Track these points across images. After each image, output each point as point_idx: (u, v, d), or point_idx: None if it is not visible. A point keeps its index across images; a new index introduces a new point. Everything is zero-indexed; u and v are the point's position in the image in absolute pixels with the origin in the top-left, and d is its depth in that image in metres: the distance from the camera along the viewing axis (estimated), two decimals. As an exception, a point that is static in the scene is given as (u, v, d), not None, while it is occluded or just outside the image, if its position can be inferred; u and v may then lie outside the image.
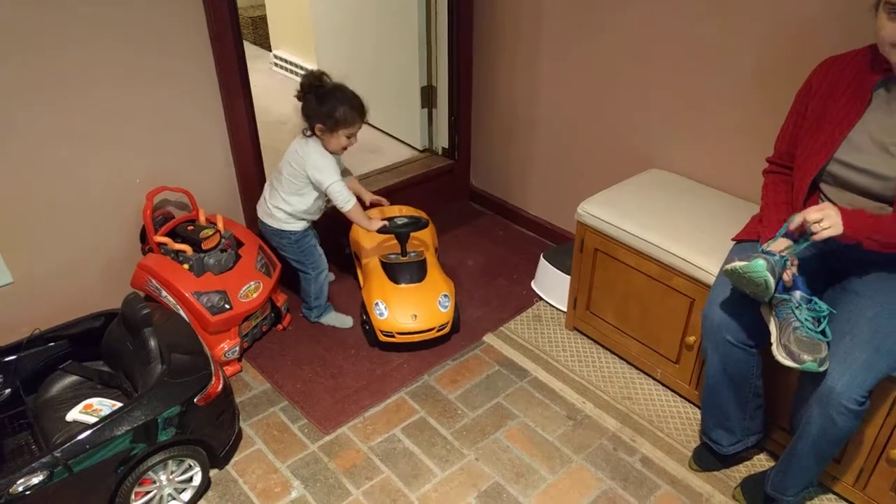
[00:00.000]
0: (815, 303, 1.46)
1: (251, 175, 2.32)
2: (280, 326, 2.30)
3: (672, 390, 2.05)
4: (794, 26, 1.80)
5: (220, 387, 1.71)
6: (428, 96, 2.97)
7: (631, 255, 1.96)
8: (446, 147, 3.01)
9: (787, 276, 1.44)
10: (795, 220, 1.43)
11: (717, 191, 2.11)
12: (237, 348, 2.09)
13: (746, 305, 1.56)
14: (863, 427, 1.57)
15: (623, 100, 2.30)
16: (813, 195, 1.58)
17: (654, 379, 2.09)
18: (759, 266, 1.40)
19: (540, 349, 2.24)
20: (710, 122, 2.09)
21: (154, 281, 1.99)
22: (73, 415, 1.66)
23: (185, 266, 2.01)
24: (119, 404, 1.65)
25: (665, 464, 1.83)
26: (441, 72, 2.85)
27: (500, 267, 2.64)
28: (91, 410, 1.67)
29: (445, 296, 2.16)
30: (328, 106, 1.97)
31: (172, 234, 2.08)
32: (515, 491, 1.75)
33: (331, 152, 2.05)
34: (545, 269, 2.45)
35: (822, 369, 1.38)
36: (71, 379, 1.78)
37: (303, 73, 3.98)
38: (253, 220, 2.38)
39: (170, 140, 2.10)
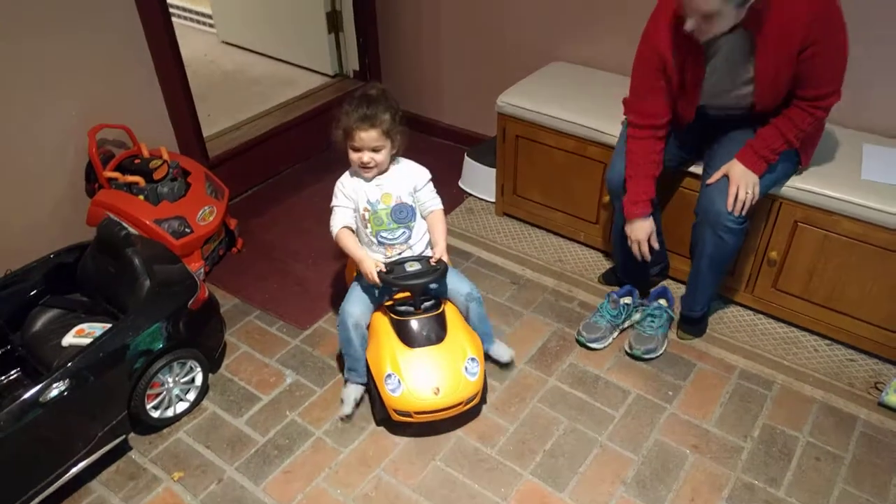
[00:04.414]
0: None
1: (181, 104, 2.37)
2: (235, 249, 2.42)
3: (595, 248, 2.40)
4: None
5: (206, 293, 1.85)
6: (333, 21, 3.07)
7: (550, 136, 2.25)
8: (357, 70, 3.15)
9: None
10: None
11: (614, 74, 2.42)
12: (201, 271, 2.20)
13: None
14: (749, 239, 1.97)
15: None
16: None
17: (579, 242, 2.43)
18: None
19: (477, 235, 2.51)
20: (602, 14, 2.37)
21: (112, 215, 2.05)
22: (68, 340, 1.74)
23: (140, 197, 2.08)
24: (108, 325, 1.75)
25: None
26: (343, -5, 2.96)
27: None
28: (84, 334, 1.76)
29: (473, 359, 1.71)
30: (342, 111, 1.71)
31: (119, 170, 2.13)
32: (481, 344, 2.04)
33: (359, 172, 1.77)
34: (470, 166, 2.71)
35: (646, 356, 1.94)
36: (53, 313, 1.84)
37: (196, 17, 3.91)
38: (187, 149, 2.44)
39: (99, 79, 2.12)
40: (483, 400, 1.82)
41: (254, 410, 1.84)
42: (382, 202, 1.77)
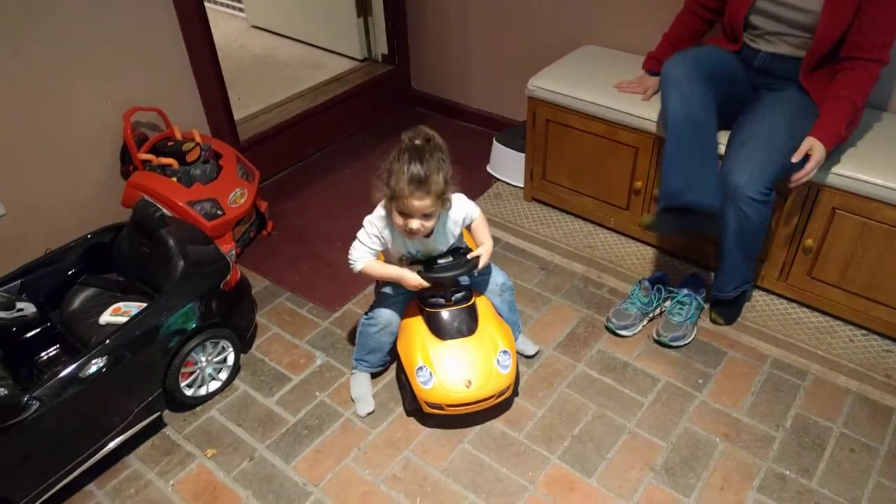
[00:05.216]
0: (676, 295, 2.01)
1: (212, 88, 2.39)
2: (265, 232, 2.44)
3: (625, 234, 2.37)
4: None
5: (239, 274, 1.87)
6: (362, 5, 3.06)
7: (580, 120, 2.22)
8: (386, 53, 3.14)
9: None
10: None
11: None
12: (233, 253, 2.23)
13: (702, 67, 1.82)
14: (782, 226, 1.93)
15: (552, -16, 2.51)
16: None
17: (608, 228, 2.40)
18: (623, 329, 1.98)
19: (505, 220, 2.50)
20: (633, -5, 2.34)
21: (146, 196, 2.08)
22: (105, 318, 1.78)
23: (174, 179, 2.11)
24: (144, 304, 1.79)
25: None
26: (373, -22, 2.95)
27: (454, 159, 2.83)
28: (121, 313, 1.80)
29: (505, 352, 1.69)
30: (387, 168, 1.51)
31: (153, 152, 2.16)
32: (509, 329, 2.04)
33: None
34: (499, 151, 2.69)
35: (673, 344, 1.93)
36: (90, 291, 1.88)
37: (226, 1, 3.91)
38: (219, 132, 2.47)
39: (133, 63, 2.15)
40: (515, 392, 1.81)
41: (284, 391, 1.87)
42: (423, 253, 1.68)
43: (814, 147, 1.69)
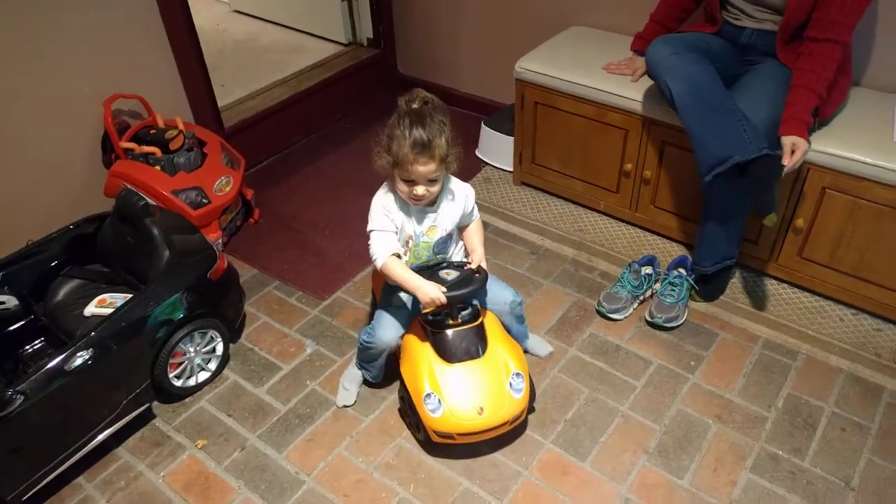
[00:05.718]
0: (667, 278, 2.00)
1: (195, 74, 2.35)
2: (252, 220, 2.41)
3: (615, 217, 2.36)
4: None
5: (226, 263, 1.84)
6: (346, -13, 3.01)
7: (569, 102, 2.20)
8: (371, 37, 3.09)
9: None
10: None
11: (634, 37, 2.36)
12: (220, 242, 2.20)
13: (686, 41, 1.83)
14: (773, 207, 1.93)
15: (540, -36, 2.47)
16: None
17: (598, 211, 2.39)
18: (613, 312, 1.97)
19: (495, 204, 2.48)
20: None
21: (129, 186, 2.04)
22: (90, 310, 1.75)
23: (157, 167, 2.07)
24: (129, 296, 1.75)
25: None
26: (357, -40, 2.90)
27: (442, 143, 2.82)
28: (106, 304, 1.77)
29: (518, 375, 1.58)
30: (388, 134, 1.48)
31: (135, 140, 2.12)
32: (501, 314, 2.03)
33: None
34: (487, 134, 2.66)
35: (667, 325, 1.93)
36: (74, 283, 1.85)
37: None
38: (202, 119, 2.42)
39: (113, 49, 2.10)
40: (531, 409, 1.72)
41: (274, 380, 1.85)
42: (427, 234, 1.60)
43: (796, 143, 1.69)
